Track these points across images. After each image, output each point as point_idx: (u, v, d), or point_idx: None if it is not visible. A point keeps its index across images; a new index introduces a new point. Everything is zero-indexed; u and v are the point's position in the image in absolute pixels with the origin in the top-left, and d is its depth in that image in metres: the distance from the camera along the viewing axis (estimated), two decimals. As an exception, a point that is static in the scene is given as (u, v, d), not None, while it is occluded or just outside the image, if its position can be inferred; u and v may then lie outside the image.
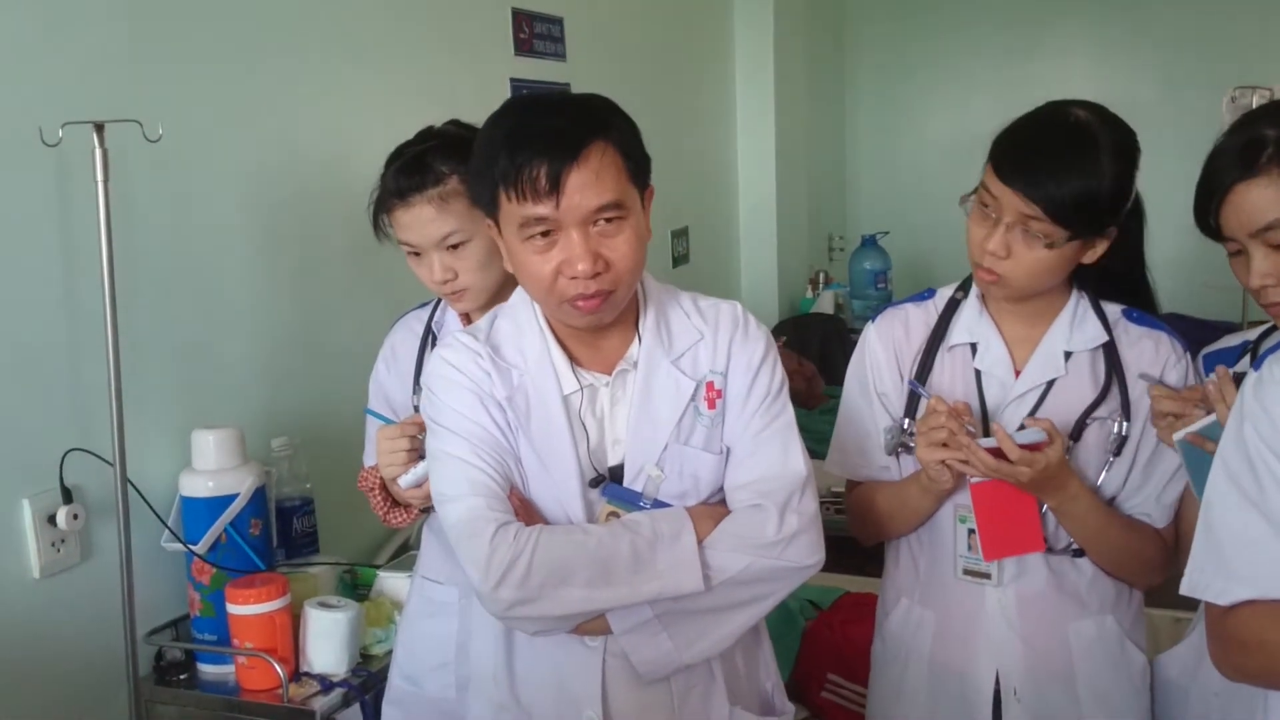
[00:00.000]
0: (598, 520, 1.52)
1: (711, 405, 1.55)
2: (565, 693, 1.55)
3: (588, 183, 1.40)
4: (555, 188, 1.39)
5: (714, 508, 1.54)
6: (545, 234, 1.42)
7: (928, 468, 1.67)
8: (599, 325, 1.52)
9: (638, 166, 1.48)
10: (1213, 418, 1.54)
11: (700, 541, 1.47)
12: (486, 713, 1.61)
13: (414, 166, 1.79)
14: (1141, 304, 1.78)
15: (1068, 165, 1.59)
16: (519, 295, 1.60)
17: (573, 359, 1.55)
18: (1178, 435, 1.60)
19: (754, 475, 1.53)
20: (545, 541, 1.44)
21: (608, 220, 1.43)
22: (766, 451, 1.54)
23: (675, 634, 1.48)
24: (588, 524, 1.50)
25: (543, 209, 1.40)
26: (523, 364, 1.54)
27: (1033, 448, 1.60)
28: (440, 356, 1.57)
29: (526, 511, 1.51)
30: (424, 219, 1.79)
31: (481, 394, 1.52)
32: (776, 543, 1.48)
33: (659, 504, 1.52)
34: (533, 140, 1.41)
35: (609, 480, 1.53)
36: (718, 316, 1.59)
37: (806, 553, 1.50)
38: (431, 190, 1.78)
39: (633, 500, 1.52)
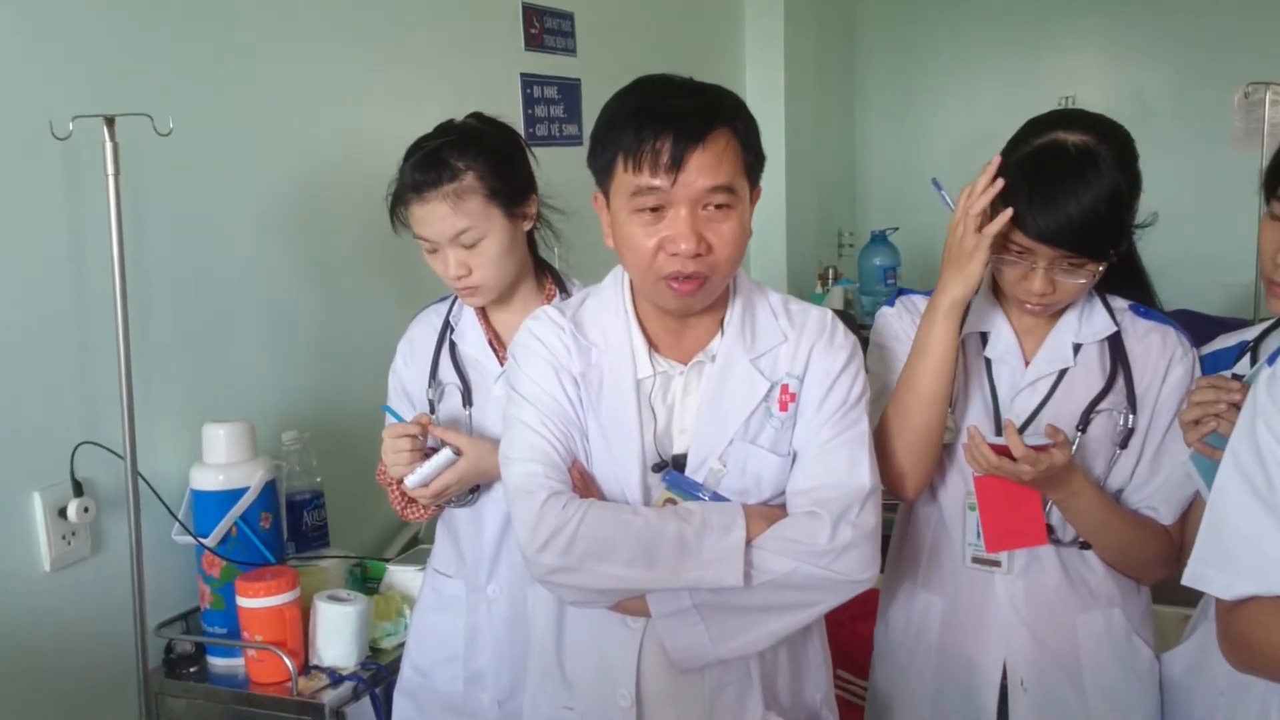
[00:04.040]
0: (654, 505, 1.52)
1: (783, 408, 1.55)
2: (604, 670, 1.58)
3: (707, 165, 1.42)
4: (676, 165, 1.41)
5: (771, 509, 1.54)
6: (655, 209, 1.44)
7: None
8: (689, 311, 1.53)
9: (754, 163, 1.50)
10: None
11: (750, 540, 1.47)
12: (535, 677, 1.67)
13: (430, 161, 1.79)
14: (1137, 289, 1.78)
15: (1092, 206, 1.57)
16: (612, 276, 1.62)
17: (653, 345, 1.57)
18: (1184, 455, 1.62)
19: (815, 482, 1.52)
20: (593, 515, 1.46)
21: (717, 206, 1.45)
22: (832, 460, 1.53)
23: (712, 626, 1.49)
24: (639, 505, 1.51)
25: (657, 182, 1.42)
26: (602, 343, 1.56)
27: (1037, 448, 1.60)
28: (526, 326, 1.60)
29: (585, 484, 1.53)
30: (439, 215, 1.79)
31: (558, 367, 1.55)
32: (826, 552, 1.47)
33: (718, 497, 1.53)
34: (662, 116, 1.43)
35: (671, 467, 1.54)
36: (805, 321, 1.59)
37: (858, 567, 1.48)
38: (447, 186, 1.78)
39: (692, 490, 1.53)
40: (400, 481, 1.85)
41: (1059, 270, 1.62)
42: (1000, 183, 1.61)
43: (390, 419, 1.92)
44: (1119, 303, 1.76)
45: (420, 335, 1.99)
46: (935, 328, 1.67)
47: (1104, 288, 1.75)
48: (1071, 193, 1.58)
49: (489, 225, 1.80)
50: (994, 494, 1.68)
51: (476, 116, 1.92)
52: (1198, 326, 1.82)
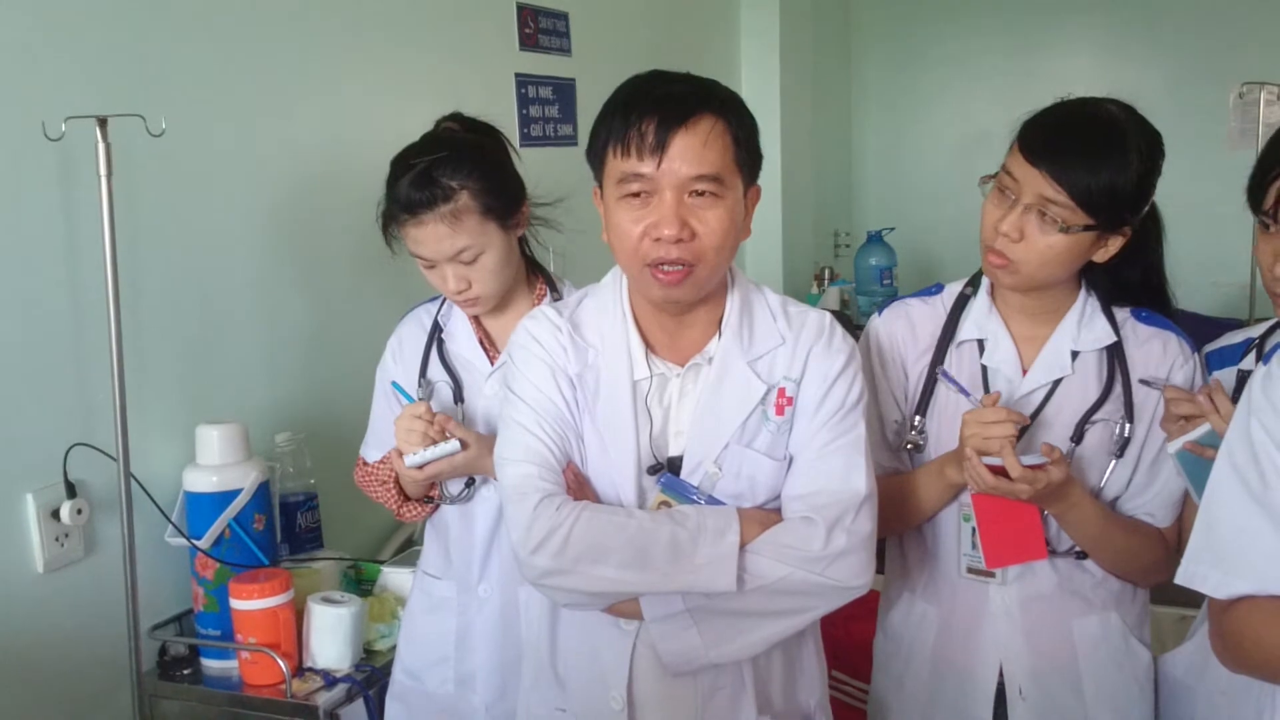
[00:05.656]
0: (649, 508, 1.52)
1: (780, 411, 1.54)
2: (596, 671, 1.57)
3: (691, 149, 1.42)
4: (661, 147, 1.41)
5: (765, 513, 1.53)
6: (640, 194, 1.44)
7: (971, 461, 1.61)
8: (678, 303, 1.52)
9: (748, 157, 1.50)
10: (1208, 426, 1.54)
11: (744, 545, 1.46)
12: (528, 678, 1.67)
13: (423, 181, 1.76)
14: (1153, 297, 1.76)
15: (1096, 153, 1.58)
16: (610, 276, 1.61)
17: (650, 347, 1.56)
18: (1173, 447, 1.59)
19: (810, 488, 1.52)
20: (587, 518, 1.46)
21: (703, 193, 1.44)
22: (828, 465, 1.52)
23: (705, 631, 1.48)
24: (634, 508, 1.51)
25: (644, 167, 1.42)
26: (599, 344, 1.56)
27: (1035, 467, 1.58)
28: (523, 326, 1.60)
29: (580, 487, 1.53)
30: (436, 236, 1.77)
31: (554, 367, 1.55)
32: (820, 558, 1.46)
33: (713, 501, 1.52)
34: (650, 101, 1.44)
35: (666, 470, 1.54)
36: (803, 324, 1.58)
37: (852, 573, 1.48)
38: (443, 207, 1.76)
39: (687, 493, 1.52)
40: (399, 481, 1.86)
41: (1035, 217, 1.60)
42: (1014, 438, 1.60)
43: (400, 397, 1.90)
44: (1121, 310, 1.74)
45: (409, 334, 1.99)
46: (933, 487, 1.72)
47: (1118, 298, 1.74)
48: (1083, 135, 1.61)
49: (486, 241, 1.79)
50: (992, 511, 1.67)
51: (458, 120, 1.90)
52: (1193, 327, 1.81)
